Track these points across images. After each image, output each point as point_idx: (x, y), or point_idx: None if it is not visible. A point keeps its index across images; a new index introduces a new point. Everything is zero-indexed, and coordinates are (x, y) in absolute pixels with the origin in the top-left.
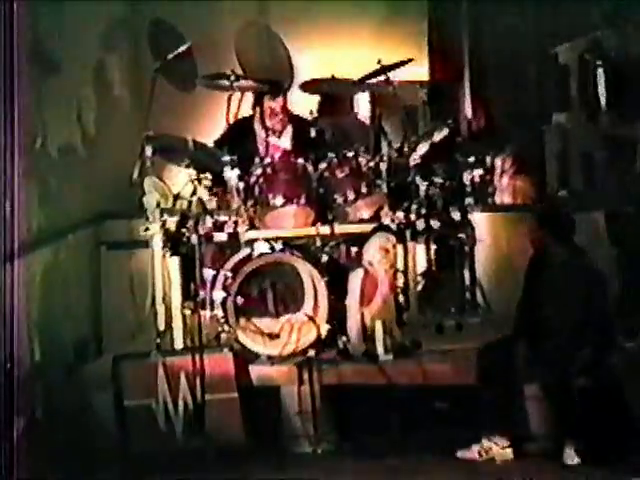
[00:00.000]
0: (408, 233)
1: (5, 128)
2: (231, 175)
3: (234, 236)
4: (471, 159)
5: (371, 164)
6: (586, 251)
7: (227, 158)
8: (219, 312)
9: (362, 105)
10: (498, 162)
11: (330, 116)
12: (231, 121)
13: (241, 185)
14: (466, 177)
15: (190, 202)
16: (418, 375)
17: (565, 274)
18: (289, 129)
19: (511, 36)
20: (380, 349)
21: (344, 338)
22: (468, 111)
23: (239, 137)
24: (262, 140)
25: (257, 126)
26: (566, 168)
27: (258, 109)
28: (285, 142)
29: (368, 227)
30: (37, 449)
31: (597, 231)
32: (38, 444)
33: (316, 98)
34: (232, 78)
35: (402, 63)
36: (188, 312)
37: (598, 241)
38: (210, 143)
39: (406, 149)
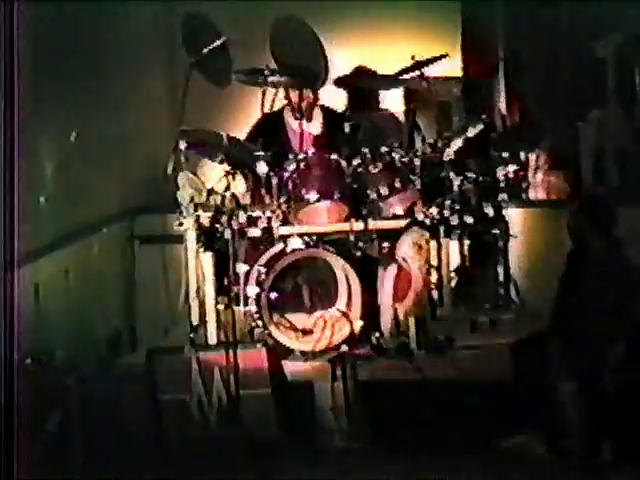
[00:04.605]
0: (442, 229)
1: (5, 129)
2: (265, 170)
3: (268, 231)
4: (505, 155)
5: (405, 160)
6: (625, 244)
7: (261, 153)
8: (253, 307)
9: (396, 100)
10: (532, 158)
11: (363, 111)
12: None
13: (275, 180)
14: (500, 173)
15: (224, 197)
16: (452, 371)
17: (603, 268)
18: (319, 114)
19: (546, 30)
20: (413, 345)
21: (377, 334)
22: (502, 106)
23: (271, 132)
24: (293, 131)
25: (287, 116)
26: (601, 164)
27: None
28: (316, 127)
29: (402, 223)
30: (71, 442)
31: (633, 227)
32: (72, 438)
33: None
34: (266, 73)
35: (436, 59)
36: (222, 307)
37: (634, 237)
38: (242, 138)
39: (440, 145)
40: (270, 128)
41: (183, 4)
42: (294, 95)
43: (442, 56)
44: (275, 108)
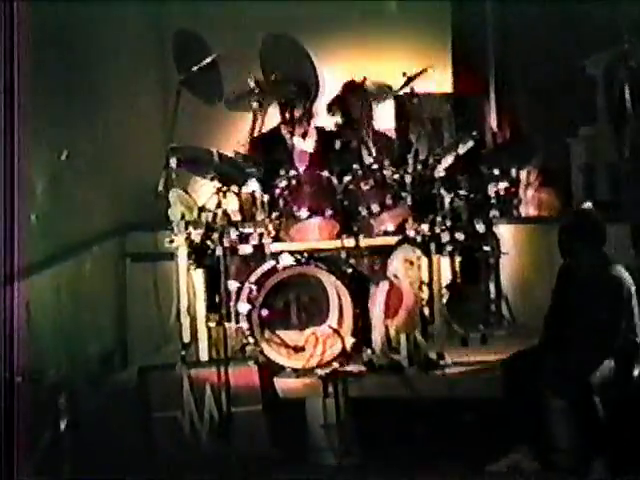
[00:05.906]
0: (433, 245)
1: (5, 130)
2: (256, 187)
3: (259, 248)
4: (496, 171)
5: (396, 176)
6: (614, 261)
7: (252, 170)
8: (244, 324)
9: (387, 117)
10: (523, 174)
11: (354, 128)
12: (256, 133)
13: (266, 197)
14: (491, 189)
15: (215, 214)
16: (443, 388)
17: (593, 285)
18: (313, 132)
19: (537, 47)
20: (405, 362)
21: (369, 351)
22: (493, 123)
23: (269, 148)
24: (290, 148)
25: (284, 131)
26: (592, 180)
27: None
28: (309, 145)
29: (393, 239)
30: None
31: (622, 243)
32: (64, 455)
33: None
34: (256, 91)
35: (422, 72)
36: (213, 324)
37: (623, 253)
38: (239, 155)
39: (431, 161)
40: (269, 145)
41: (174, 20)
42: (287, 112)
43: (425, 70)
44: (266, 124)
